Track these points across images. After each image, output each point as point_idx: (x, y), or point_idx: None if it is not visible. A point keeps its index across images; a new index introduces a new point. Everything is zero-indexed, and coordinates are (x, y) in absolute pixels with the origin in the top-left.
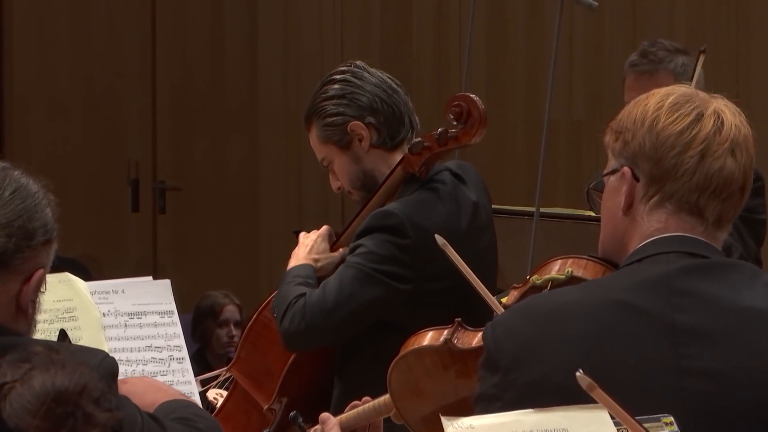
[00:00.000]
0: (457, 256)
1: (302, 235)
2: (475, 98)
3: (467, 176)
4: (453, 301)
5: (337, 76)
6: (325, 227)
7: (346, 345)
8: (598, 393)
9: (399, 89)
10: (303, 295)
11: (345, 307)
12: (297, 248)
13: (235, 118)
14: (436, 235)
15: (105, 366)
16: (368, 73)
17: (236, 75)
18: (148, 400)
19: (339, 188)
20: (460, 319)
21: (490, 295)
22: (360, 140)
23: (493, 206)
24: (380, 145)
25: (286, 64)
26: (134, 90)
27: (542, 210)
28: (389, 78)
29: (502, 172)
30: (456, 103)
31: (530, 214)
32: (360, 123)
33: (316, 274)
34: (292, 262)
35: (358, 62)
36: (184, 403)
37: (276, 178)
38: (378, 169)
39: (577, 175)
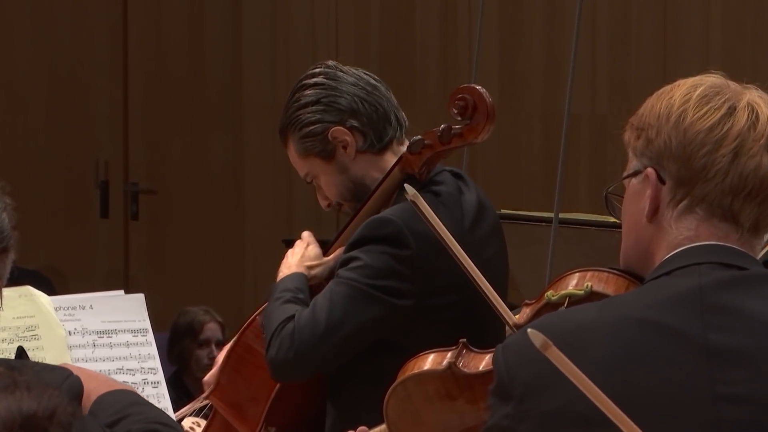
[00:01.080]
0: (437, 219)
1: (289, 251)
2: (481, 90)
3: (466, 176)
4: (460, 319)
5: (309, 81)
6: (305, 233)
7: (339, 368)
8: (553, 352)
9: (379, 85)
10: (291, 318)
11: (338, 331)
12: (288, 254)
13: (217, 113)
14: (406, 185)
15: (69, 387)
16: (342, 71)
17: (218, 63)
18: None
19: (329, 205)
20: (465, 339)
21: (500, 299)
22: (344, 147)
23: (506, 211)
24: (367, 149)
25: (274, 51)
26: (103, 80)
27: (562, 216)
28: (366, 74)
29: (517, 174)
30: (460, 95)
31: (548, 221)
32: (342, 128)
33: (309, 283)
34: (283, 271)
35: (329, 62)
36: (132, 399)
37: (263, 181)
38: (369, 176)
39: (601, 176)
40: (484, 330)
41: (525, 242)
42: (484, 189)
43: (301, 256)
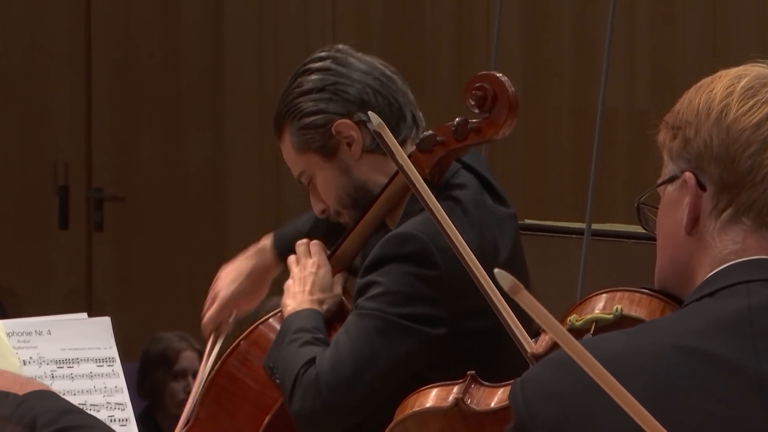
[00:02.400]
0: (404, 155)
1: (291, 260)
2: (503, 78)
3: (487, 173)
4: (493, 346)
5: (314, 65)
6: (316, 243)
7: None
8: (523, 296)
9: (395, 77)
10: (312, 361)
11: (368, 371)
12: (291, 281)
13: (194, 106)
14: (370, 113)
15: (21, 414)
16: (354, 57)
17: (195, 51)
18: None
19: (323, 211)
20: (473, 372)
21: (517, 323)
22: (349, 144)
23: (530, 221)
24: (375, 148)
25: (260, 35)
26: (62, 71)
27: (595, 227)
28: (382, 64)
29: (543, 177)
30: (478, 84)
31: (579, 233)
32: (348, 121)
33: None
34: (290, 305)
35: (339, 46)
36: (63, 406)
37: (248, 185)
38: (373, 180)
39: (641, 181)
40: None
41: (552, 257)
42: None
43: (312, 284)
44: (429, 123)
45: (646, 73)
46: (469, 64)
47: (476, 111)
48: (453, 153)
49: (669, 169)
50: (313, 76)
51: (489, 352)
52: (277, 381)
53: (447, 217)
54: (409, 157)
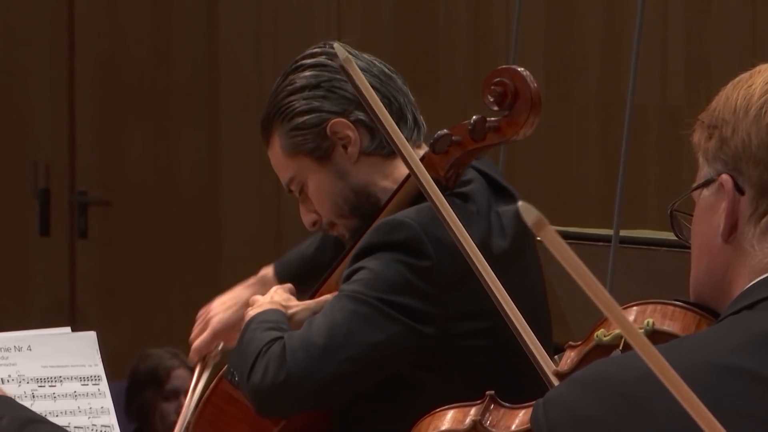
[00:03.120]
0: (376, 99)
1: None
2: (524, 72)
3: (491, 170)
4: (492, 351)
5: (308, 61)
6: (287, 286)
7: (343, 413)
8: (548, 233)
9: (395, 76)
10: (278, 339)
11: (340, 352)
12: (254, 300)
13: (187, 103)
14: (336, 45)
15: None
16: (350, 54)
17: (189, 41)
18: None
19: (316, 223)
20: (492, 392)
21: (532, 335)
22: (345, 146)
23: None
24: (374, 150)
25: (259, 24)
26: (42, 62)
27: (623, 233)
28: (380, 62)
29: (567, 179)
30: (497, 80)
31: (607, 240)
32: (344, 120)
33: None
34: (253, 309)
35: (334, 42)
36: (24, 415)
37: (245, 190)
38: (374, 185)
39: (674, 184)
40: (522, 368)
41: None
42: (527, 198)
43: (271, 297)
44: (443, 123)
45: (679, 66)
46: (486, 58)
47: (495, 109)
48: (470, 154)
49: (704, 171)
50: (306, 73)
51: (488, 358)
52: (234, 378)
53: (448, 206)
54: (422, 159)
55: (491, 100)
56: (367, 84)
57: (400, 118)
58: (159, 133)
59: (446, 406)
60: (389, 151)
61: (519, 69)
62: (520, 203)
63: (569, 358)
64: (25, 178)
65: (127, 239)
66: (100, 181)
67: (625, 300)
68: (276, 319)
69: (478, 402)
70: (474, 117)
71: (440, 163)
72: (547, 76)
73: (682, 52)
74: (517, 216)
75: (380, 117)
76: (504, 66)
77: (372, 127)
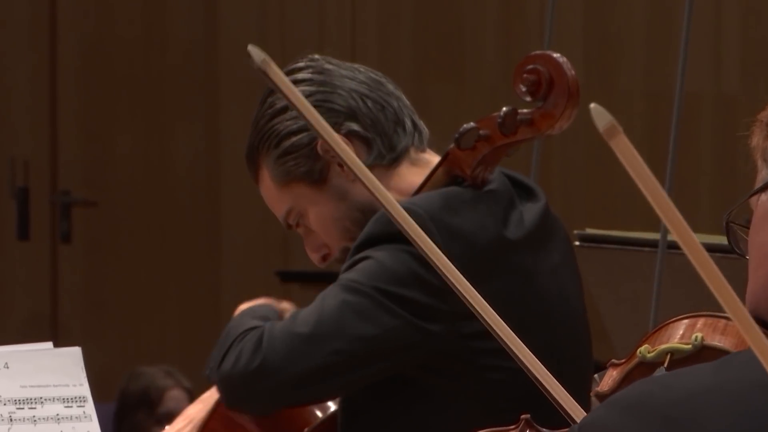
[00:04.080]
0: (298, 96)
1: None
2: (561, 59)
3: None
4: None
5: (271, 92)
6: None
7: (347, 417)
8: (620, 141)
9: (384, 81)
10: (259, 327)
11: (327, 342)
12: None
13: (182, 92)
14: (251, 47)
15: None
16: (332, 64)
17: (185, 22)
18: None
19: (326, 257)
20: (528, 415)
21: (526, 351)
22: (340, 164)
23: (593, 231)
24: (374, 162)
25: (263, 3)
26: (21, 45)
27: (672, 238)
28: (366, 69)
29: (610, 178)
30: (530, 67)
31: (653, 244)
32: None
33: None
34: (244, 304)
35: (314, 55)
36: None
37: (247, 189)
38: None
39: (729, 181)
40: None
41: (621, 274)
42: (564, 198)
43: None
44: (469, 114)
45: (735, 49)
46: (518, 40)
47: (528, 99)
48: (500, 150)
49: (763, 174)
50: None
51: (507, 363)
52: (208, 371)
53: (390, 197)
54: (447, 155)
55: (523, 89)
56: (291, 86)
57: (397, 123)
58: (151, 125)
59: (480, 431)
60: (391, 160)
61: (554, 55)
62: (592, 105)
63: (611, 377)
64: (2, 175)
65: (115, 244)
66: (85, 179)
67: (671, 310)
68: (264, 312)
69: (513, 426)
70: (504, 108)
71: (466, 160)
72: (586, 61)
73: (738, 34)
74: (542, 214)
75: (313, 122)
76: (538, 52)
77: (368, 138)
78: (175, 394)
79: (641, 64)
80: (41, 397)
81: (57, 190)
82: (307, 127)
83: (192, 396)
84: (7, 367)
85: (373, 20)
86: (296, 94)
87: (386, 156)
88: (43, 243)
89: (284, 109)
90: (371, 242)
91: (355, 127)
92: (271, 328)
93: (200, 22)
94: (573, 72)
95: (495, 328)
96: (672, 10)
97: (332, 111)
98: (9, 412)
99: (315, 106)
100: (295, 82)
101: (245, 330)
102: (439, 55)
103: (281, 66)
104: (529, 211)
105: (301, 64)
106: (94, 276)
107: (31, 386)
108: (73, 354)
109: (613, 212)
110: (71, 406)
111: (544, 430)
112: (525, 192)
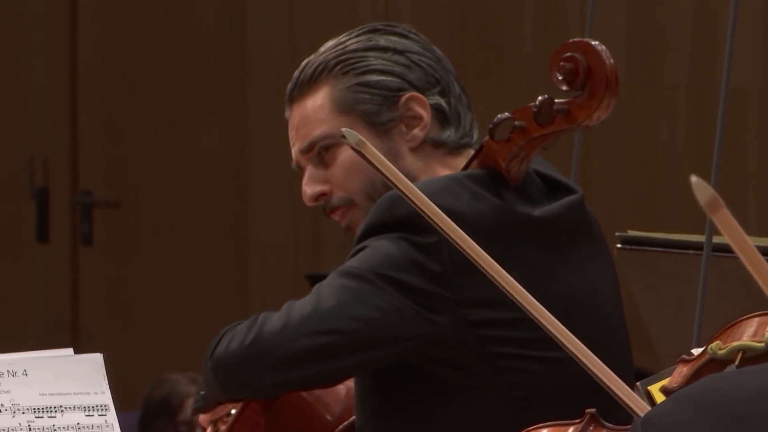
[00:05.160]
0: (402, 177)
1: None
2: (599, 47)
3: (550, 169)
4: (530, 344)
5: (391, 28)
6: None
7: (359, 414)
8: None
9: (451, 68)
10: (254, 316)
11: (326, 321)
12: None
13: (208, 88)
14: (344, 129)
15: None
16: (409, 37)
17: (211, 15)
18: None
19: (321, 197)
20: (594, 410)
21: (580, 345)
22: (411, 126)
23: (635, 233)
24: (441, 141)
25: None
26: (41, 39)
27: (717, 240)
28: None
29: (653, 176)
30: (568, 55)
31: (698, 247)
32: (424, 98)
33: None
34: None
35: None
36: None
37: (275, 188)
38: (427, 177)
39: None
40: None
41: (664, 278)
42: (604, 197)
43: None
44: (507, 106)
45: None
46: (558, 38)
47: (564, 89)
48: (536, 142)
49: None
50: (391, 37)
51: (524, 351)
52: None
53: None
54: (481, 147)
55: (560, 78)
56: (387, 162)
57: (469, 110)
58: (175, 123)
59: (539, 425)
60: (456, 147)
61: (593, 42)
62: (693, 180)
63: (680, 373)
64: (20, 175)
65: (138, 247)
66: (107, 179)
67: (717, 314)
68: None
69: (577, 421)
70: (540, 98)
71: (501, 152)
72: (628, 54)
73: None
74: (572, 205)
75: (422, 207)
76: (576, 39)
77: (447, 117)
78: None
79: (686, 59)
80: (61, 406)
81: (78, 190)
82: (402, 75)
83: None
84: (26, 374)
85: (407, 14)
86: (394, 172)
87: (454, 140)
88: (63, 245)
89: (384, 49)
90: (371, 232)
91: (441, 101)
92: (266, 313)
93: (227, 15)
94: (611, 61)
95: (534, 312)
96: (718, 2)
97: (428, 75)
98: (28, 421)
99: (413, 62)
100: (398, 34)
101: (240, 322)
102: (476, 50)
103: (312, 51)
104: (561, 203)
105: (410, 32)
106: (116, 280)
107: (51, 394)
108: (95, 360)
109: (656, 213)
110: (92, 415)
111: (608, 424)
112: (557, 188)
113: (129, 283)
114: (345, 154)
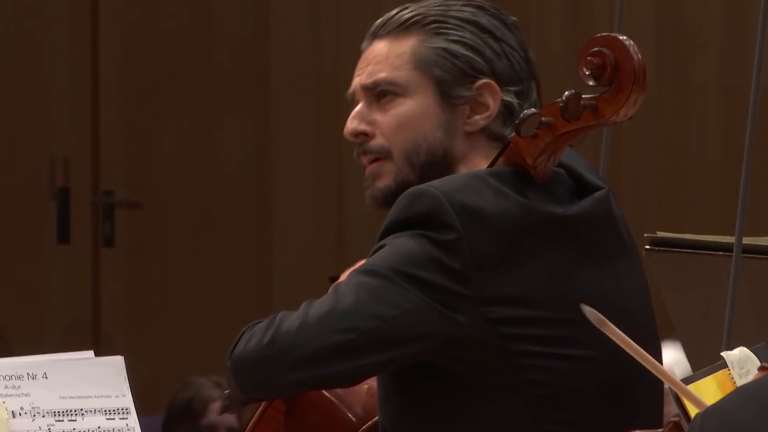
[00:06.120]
0: (620, 333)
1: None
2: (627, 42)
3: (582, 166)
4: (554, 344)
5: (498, 13)
6: None
7: (381, 415)
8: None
9: (537, 75)
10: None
11: (344, 319)
12: None
13: (231, 87)
14: (586, 308)
15: None
16: (510, 28)
17: (234, 13)
18: None
19: (361, 134)
20: (678, 418)
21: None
22: (475, 111)
23: (664, 234)
24: (498, 137)
25: None
26: (61, 38)
27: (747, 242)
28: None
29: (682, 177)
30: (595, 49)
31: (728, 249)
32: (498, 90)
33: None
34: None
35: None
36: None
37: (299, 188)
38: (467, 164)
39: None
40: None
41: (694, 280)
42: (633, 197)
43: None
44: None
45: None
46: (586, 36)
47: (592, 84)
48: (563, 138)
49: None
50: (494, 21)
51: (549, 349)
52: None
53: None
54: (507, 144)
55: (587, 73)
56: (628, 339)
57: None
58: (198, 122)
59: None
60: (496, 138)
61: (620, 37)
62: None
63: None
64: (41, 175)
65: (160, 248)
66: (129, 179)
67: (747, 316)
68: None
69: (661, 430)
70: (566, 93)
71: (527, 149)
72: (657, 52)
73: None
74: (598, 202)
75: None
76: (604, 34)
77: (513, 116)
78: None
79: (716, 57)
80: (82, 409)
81: (99, 190)
82: (488, 59)
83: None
84: (46, 377)
85: None
86: (637, 349)
87: (500, 136)
88: (84, 246)
89: (483, 28)
90: (391, 230)
91: (513, 99)
92: (284, 312)
93: (251, 13)
94: (640, 56)
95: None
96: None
97: (511, 70)
98: (48, 425)
99: (503, 53)
100: (491, 14)
101: (257, 321)
102: None
103: (336, 53)
104: (590, 199)
105: (513, 24)
106: (137, 281)
107: (72, 397)
108: (116, 363)
109: (685, 214)
110: (113, 418)
111: None
112: (585, 187)
113: (151, 285)
114: (403, 107)
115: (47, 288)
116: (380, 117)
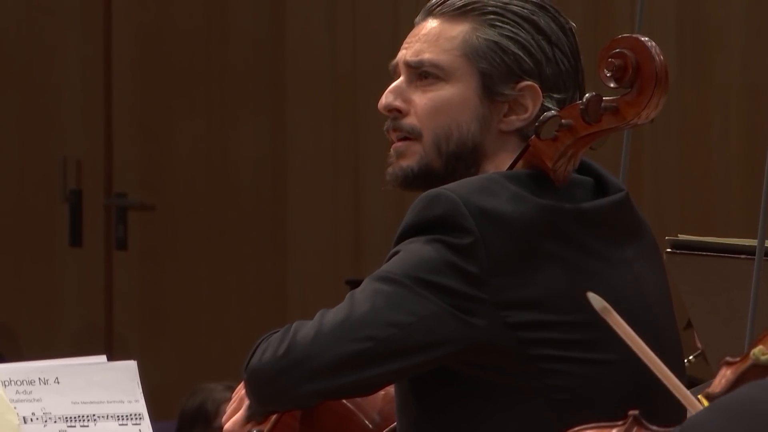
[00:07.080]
0: (623, 323)
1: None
2: (649, 43)
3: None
4: (574, 348)
5: (557, 15)
6: None
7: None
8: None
9: (582, 86)
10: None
11: (360, 329)
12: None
13: (246, 87)
14: (590, 294)
15: None
16: (567, 34)
17: (249, 12)
18: None
19: (395, 110)
20: (637, 412)
21: (664, 368)
22: (513, 112)
23: (685, 237)
24: (527, 135)
25: None
26: (73, 37)
27: None
28: None
29: (704, 179)
30: (616, 51)
31: (750, 252)
32: (540, 95)
33: None
34: None
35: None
36: None
37: (316, 190)
38: (493, 161)
39: None
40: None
41: (716, 283)
42: (654, 200)
43: None
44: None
45: None
46: (607, 38)
47: (613, 86)
48: (583, 141)
49: None
50: (553, 24)
51: (568, 354)
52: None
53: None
54: (527, 146)
55: (608, 75)
56: (630, 331)
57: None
58: (212, 123)
59: (582, 426)
60: (526, 138)
61: (642, 38)
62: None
63: (723, 377)
64: (53, 177)
65: (174, 251)
66: (142, 181)
67: None
68: None
69: (619, 423)
70: (587, 95)
71: (547, 152)
72: (679, 52)
73: None
74: (616, 204)
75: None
76: (625, 35)
77: (547, 116)
78: None
79: (738, 57)
80: (94, 414)
81: (112, 192)
82: (537, 61)
83: None
84: (58, 382)
85: None
86: (639, 342)
87: (529, 136)
88: (96, 249)
89: (540, 30)
90: (405, 235)
91: (552, 105)
92: (299, 322)
93: (266, 12)
94: (661, 57)
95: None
96: None
97: (557, 76)
98: (60, 430)
99: (554, 58)
100: (565, 34)
101: (272, 331)
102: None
103: (353, 53)
104: (606, 202)
105: (571, 30)
106: (151, 285)
107: (84, 402)
108: (129, 368)
109: (707, 216)
110: (126, 424)
111: (652, 427)
112: (606, 187)
113: (164, 289)
114: (442, 92)
115: (59, 291)
116: (418, 97)
